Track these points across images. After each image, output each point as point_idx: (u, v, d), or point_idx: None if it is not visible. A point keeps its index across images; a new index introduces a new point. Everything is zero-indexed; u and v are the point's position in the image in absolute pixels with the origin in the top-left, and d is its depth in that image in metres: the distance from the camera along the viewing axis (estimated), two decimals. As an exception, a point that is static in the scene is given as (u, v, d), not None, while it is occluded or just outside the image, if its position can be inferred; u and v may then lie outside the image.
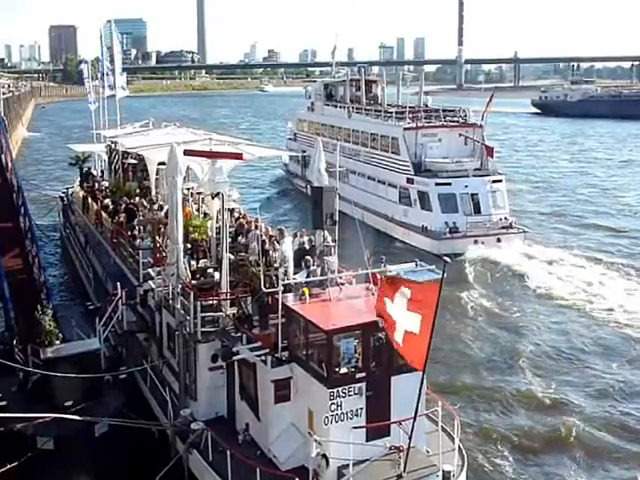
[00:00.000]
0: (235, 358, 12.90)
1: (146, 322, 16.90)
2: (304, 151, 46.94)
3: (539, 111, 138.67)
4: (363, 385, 11.83)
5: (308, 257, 14.29)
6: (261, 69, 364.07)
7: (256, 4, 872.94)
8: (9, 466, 11.95)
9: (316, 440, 11.39)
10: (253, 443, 13.05)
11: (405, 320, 9.94)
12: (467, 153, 35.81)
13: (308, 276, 13.84)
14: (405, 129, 36.35)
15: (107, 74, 37.37)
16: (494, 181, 34.15)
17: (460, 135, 36.26)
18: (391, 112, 40.09)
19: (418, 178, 34.75)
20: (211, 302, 14.24)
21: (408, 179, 35.30)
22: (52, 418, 13.41)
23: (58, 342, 16.59)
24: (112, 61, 37.34)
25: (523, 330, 24.18)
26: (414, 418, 10.57)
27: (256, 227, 18.00)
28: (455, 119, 38.34)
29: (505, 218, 33.49)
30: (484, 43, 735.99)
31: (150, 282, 16.85)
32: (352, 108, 44.95)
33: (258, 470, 11.48)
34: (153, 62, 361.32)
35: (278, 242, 15.39)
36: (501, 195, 34.12)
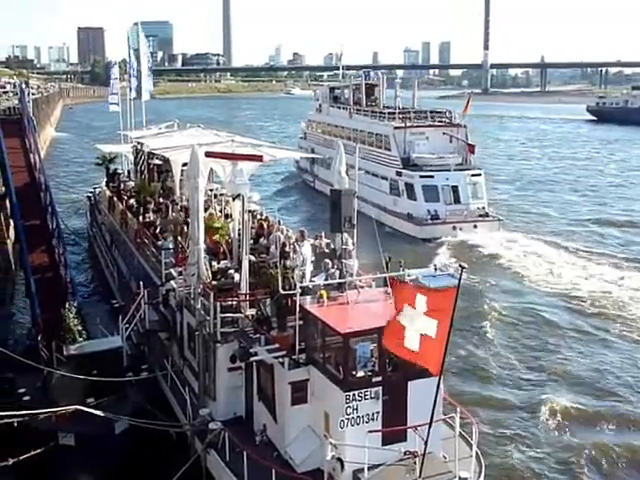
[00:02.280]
0: (253, 359, 13.00)
1: (168, 321, 17.09)
2: (313, 149, 53.57)
3: (595, 118, 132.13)
4: (379, 389, 11.83)
5: (327, 260, 14.37)
6: (286, 72, 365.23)
7: (281, 7, 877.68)
8: (32, 453, 12.18)
9: (331, 443, 11.42)
10: (270, 444, 13.13)
11: (422, 325, 9.93)
12: (451, 150, 39.62)
13: (327, 279, 13.91)
14: (395, 128, 40.63)
15: (135, 76, 37.84)
16: (473, 175, 38.00)
17: (444, 134, 40.20)
18: (384, 113, 44.31)
19: (405, 171, 38.94)
20: (231, 303, 14.36)
21: (397, 172, 39.50)
22: (73, 414, 13.66)
23: (82, 339, 16.91)
24: (139, 63, 37.80)
25: (489, 302, 26.55)
26: (430, 423, 10.54)
27: (277, 229, 18.14)
28: (441, 120, 42.38)
29: (482, 207, 37.45)
30: (510, 47, 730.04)
31: (172, 282, 17.06)
32: (352, 109, 49.43)
33: (274, 471, 11.55)
34: (179, 64, 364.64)
35: (298, 244, 15.46)
36: (480, 187, 37.96)
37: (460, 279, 9.90)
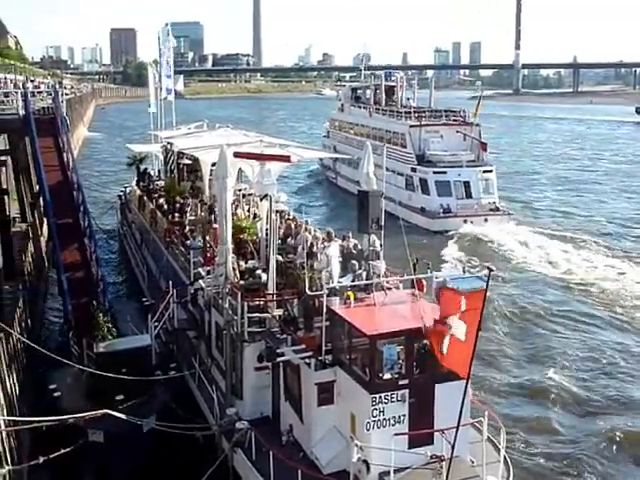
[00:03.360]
0: (280, 359, 13.01)
1: (196, 320, 17.24)
2: (335, 147, 56.78)
3: None
4: (406, 392, 11.75)
5: (354, 261, 14.31)
6: (315, 72, 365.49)
7: (311, 8, 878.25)
8: (62, 451, 12.39)
9: (357, 445, 11.37)
10: (296, 444, 13.13)
11: (454, 327, 9.83)
12: (464, 147, 41.59)
13: (354, 280, 13.86)
14: (411, 126, 42.84)
15: (168, 76, 38.22)
16: (485, 171, 39.91)
17: (458, 132, 42.20)
18: (401, 112, 46.66)
19: (420, 167, 40.92)
20: (258, 303, 14.41)
21: (412, 168, 41.38)
22: (102, 409, 13.87)
23: (112, 337, 17.15)
24: (168, 64, 38.15)
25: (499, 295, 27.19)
26: (457, 427, 10.42)
27: (305, 230, 18.15)
28: (455, 118, 44.62)
29: (493, 202, 39.19)
30: (542, 47, 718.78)
31: (200, 281, 17.19)
32: (372, 109, 51.58)
33: (300, 472, 11.54)
34: (209, 65, 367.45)
35: (325, 245, 15.43)
36: (491, 183, 39.86)
37: (488, 281, 9.78)
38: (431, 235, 36.63)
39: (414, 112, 45.75)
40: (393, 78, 55.17)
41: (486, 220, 37.86)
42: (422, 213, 39.14)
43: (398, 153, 42.77)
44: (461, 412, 10.34)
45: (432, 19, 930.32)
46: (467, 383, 10.31)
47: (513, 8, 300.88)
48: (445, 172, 39.59)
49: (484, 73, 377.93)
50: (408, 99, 53.76)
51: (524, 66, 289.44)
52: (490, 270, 9.62)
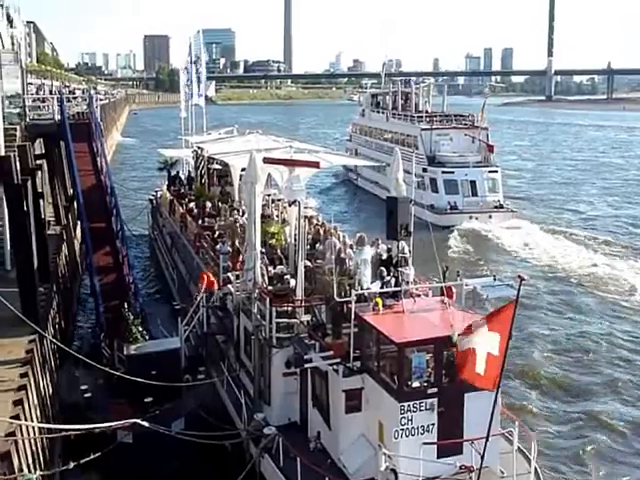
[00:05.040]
0: (307, 365, 12.99)
1: (225, 325, 17.33)
2: (356, 150, 60.39)
3: None
4: (435, 401, 11.63)
5: (383, 268, 14.22)
6: (346, 79, 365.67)
7: (342, 14, 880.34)
8: (92, 457, 12.54)
9: (385, 453, 11.27)
10: (324, 451, 13.07)
11: (487, 343, 9.66)
12: (472, 150, 44.38)
13: (382, 287, 13.77)
14: (422, 129, 45.99)
15: (200, 82, 38.64)
16: (491, 171, 42.76)
17: (466, 135, 45.08)
18: (414, 116, 49.83)
19: (430, 168, 43.73)
20: (286, 308, 14.41)
21: (423, 169, 43.71)
22: (132, 410, 14.00)
23: (142, 339, 17.34)
24: (200, 70, 38.57)
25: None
26: (487, 437, 10.26)
27: (332, 235, 18.12)
28: (464, 122, 47.36)
29: (498, 200, 42.04)
30: (575, 53, 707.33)
31: (229, 286, 17.30)
32: (390, 113, 54.96)
33: (327, 479, 11.51)
34: (241, 71, 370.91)
35: (358, 249, 15.28)
36: (496, 182, 42.71)
37: (519, 290, 9.61)
38: (439, 230, 37.98)
39: (426, 116, 48.72)
40: (409, 85, 58.40)
41: (490, 217, 40.60)
42: (431, 210, 40.82)
43: (411, 154, 44.13)
44: (491, 422, 10.17)
45: (463, 25, 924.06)
46: (497, 393, 10.13)
47: (546, 14, 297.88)
48: (453, 172, 42.35)
49: (516, 79, 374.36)
50: (427, 102, 56.60)
51: (557, 72, 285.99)
52: (522, 279, 9.46)
